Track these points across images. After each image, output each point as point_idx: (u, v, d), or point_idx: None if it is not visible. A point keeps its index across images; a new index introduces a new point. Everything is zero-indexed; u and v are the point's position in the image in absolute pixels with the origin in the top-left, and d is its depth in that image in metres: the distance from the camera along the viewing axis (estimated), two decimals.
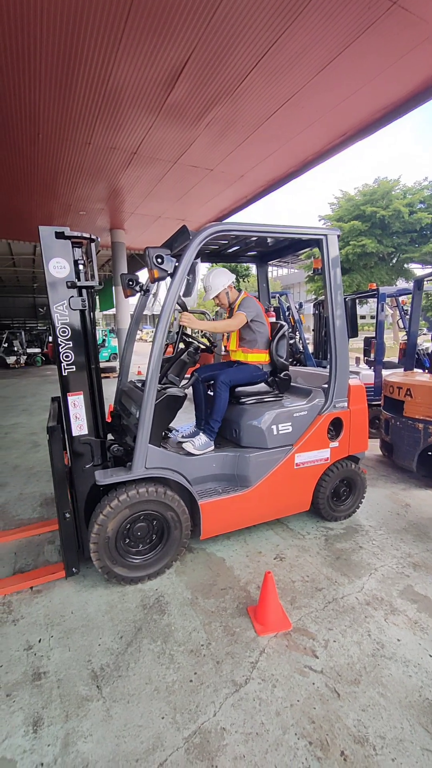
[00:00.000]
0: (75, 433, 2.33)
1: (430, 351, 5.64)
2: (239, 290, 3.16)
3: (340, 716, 1.60)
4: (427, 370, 5.29)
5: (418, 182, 18.87)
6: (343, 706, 1.64)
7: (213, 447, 2.78)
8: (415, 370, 4.67)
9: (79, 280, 2.27)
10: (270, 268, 4.23)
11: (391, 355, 6.76)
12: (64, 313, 2.24)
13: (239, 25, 3.29)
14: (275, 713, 1.61)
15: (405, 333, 5.58)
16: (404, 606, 2.20)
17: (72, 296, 2.24)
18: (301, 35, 3.41)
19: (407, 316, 5.78)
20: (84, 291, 2.31)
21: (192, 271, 2.37)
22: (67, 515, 2.29)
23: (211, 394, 2.95)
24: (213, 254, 3.50)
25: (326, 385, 2.95)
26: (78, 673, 1.81)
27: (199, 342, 3.00)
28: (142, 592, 2.34)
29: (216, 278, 2.97)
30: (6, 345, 16.57)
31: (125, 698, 1.68)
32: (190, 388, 2.96)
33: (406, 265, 19.54)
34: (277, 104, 4.54)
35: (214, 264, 4.34)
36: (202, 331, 3.48)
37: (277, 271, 46.19)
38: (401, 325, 6.32)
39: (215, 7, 3.06)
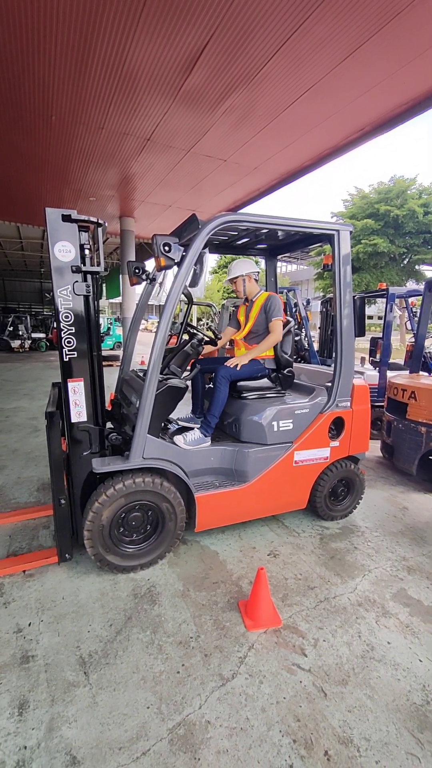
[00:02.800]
0: (74, 419, 2.31)
1: None
2: (261, 287, 3.12)
3: (325, 716, 1.59)
4: None
5: None
6: (329, 705, 1.63)
7: (209, 443, 2.72)
8: (421, 373, 4.62)
9: (84, 265, 2.23)
10: (279, 264, 4.18)
11: (397, 357, 6.70)
12: (67, 298, 2.21)
13: (261, 10, 3.20)
14: (261, 709, 1.61)
15: (412, 335, 5.51)
16: (396, 609, 2.18)
17: (76, 281, 2.21)
18: (324, 23, 3.32)
19: (416, 318, 5.70)
20: (89, 276, 2.27)
21: (199, 261, 2.33)
22: (63, 501, 2.28)
23: (211, 386, 2.92)
24: (222, 245, 3.45)
25: (330, 384, 2.92)
26: (66, 658, 1.81)
27: (203, 333, 2.97)
28: (134, 582, 2.34)
29: (238, 265, 3.03)
30: (11, 329, 16.60)
31: (112, 686, 1.68)
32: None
33: (417, 267, 19.28)
34: (296, 94, 4.45)
35: (223, 256, 4.29)
36: (206, 324, 3.45)
37: (286, 267, 45.83)
38: (409, 327, 6.25)
39: None
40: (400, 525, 3.09)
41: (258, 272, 3.10)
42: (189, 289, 2.47)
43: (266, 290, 3.13)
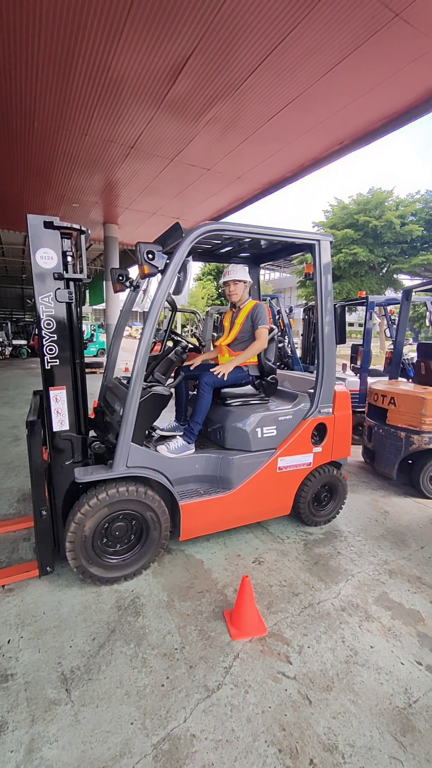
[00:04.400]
0: (56, 428, 2.27)
1: (414, 360, 5.73)
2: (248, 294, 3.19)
3: (310, 723, 1.59)
4: (411, 380, 5.37)
5: (410, 194, 19.20)
6: (314, 713, 1.64)
7: (193, 450, 2.72)
8: (400, 379, 4.74)
9: (66, 272, 2.21)
10: (262, 271, 4.23)
11: (377, 363, 6.85)
12: (49, 305, 2.18)
13: (246, 22, 3.26)
14: (246, 720, 1.60)
15: (391, 342, 5.65)
16: (379, 613, 2.21)
17: (58, 288, 2.19)
18: (306, 38, 3.42)
19: (394, 326, 5.86)
20: (71, 283, 2.25)
21: (183, 269, 2.34)
22: (44, 512, 2.23)
23: (195, 393, 2.91)
24: (205, 253, 3.48)
25: (312, 390, 2.96)
26: (47, 675, 1.76)
27: (187, 341, 2.97)
28: (117, 593, 2.29)
29: (243, 269, 3.08)
30: None
31: (95, 702, 1.64)
32: None
33: (395, 276, 19.85)
34: (279, 106, 4.55)
35: (207, 264, 4.33)
36: (190, 331, 3.47)
37: (269, 275, 46.43)
38: (388, 334, 6.41)
39: (222, 1, 3.03)
40: (382, 529, 3.15)
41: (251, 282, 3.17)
42: (173, 296, 2.47)
43: (252, 298, 3.18)
